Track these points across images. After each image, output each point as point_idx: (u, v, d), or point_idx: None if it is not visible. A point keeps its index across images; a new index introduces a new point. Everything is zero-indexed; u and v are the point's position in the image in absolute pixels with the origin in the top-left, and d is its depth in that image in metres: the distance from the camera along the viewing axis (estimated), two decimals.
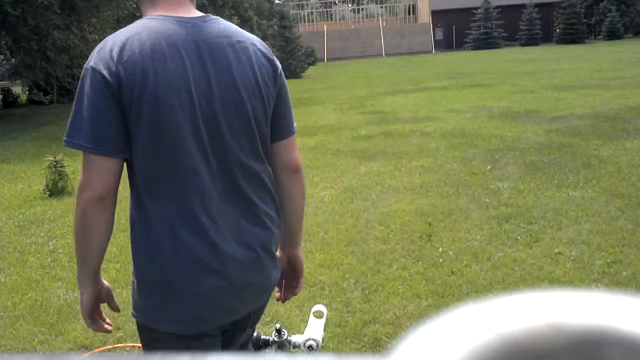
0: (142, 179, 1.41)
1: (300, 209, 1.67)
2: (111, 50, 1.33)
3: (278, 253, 1.67)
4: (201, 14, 1.47)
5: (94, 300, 1.50)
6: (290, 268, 1.75)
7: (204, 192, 1.42)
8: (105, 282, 1.53)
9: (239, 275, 1.46)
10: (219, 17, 1.50)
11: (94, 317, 1.53)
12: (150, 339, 1.51)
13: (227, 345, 1.62)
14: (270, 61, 1.52)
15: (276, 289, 1.72)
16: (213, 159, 1.43)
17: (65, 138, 1.36)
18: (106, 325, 1.56)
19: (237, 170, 1.47)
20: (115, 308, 1.57)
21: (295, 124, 1.63)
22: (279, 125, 1.56)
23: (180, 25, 1.40)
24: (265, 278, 1.55)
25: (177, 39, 1.37)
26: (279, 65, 1.56)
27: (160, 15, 1.41)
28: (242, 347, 1.72)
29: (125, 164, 1.42)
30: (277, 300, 1.79)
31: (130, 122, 1.35)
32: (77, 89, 1.37)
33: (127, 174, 1.45)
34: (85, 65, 1.36)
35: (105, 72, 1.32)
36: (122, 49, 1.33)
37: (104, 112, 1.33)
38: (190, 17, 1.43)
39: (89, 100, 1.33)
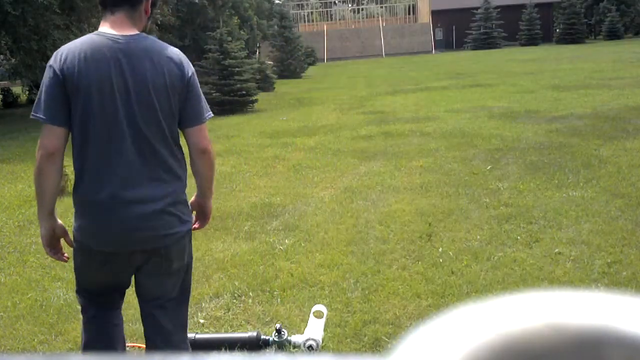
0: (77, 144, 2.02)
1: (207, 177, 2.21)
2: (61, 55, 1.99)
3: (193, 198, 2.28)
4: (136, 32, 2.05)
5: (50, 232, 2.10)
6: (200, 209, 2.33)
7: (118, 159, 2.00)
8: (60, 221, 2.12)
9: (137, 218, 2.03)
10: (149, 36, 2.10)
11: (52, 246, 2.14)
12: (76, 246, 2.14)
13: (151, 274, 2.17)
14: (180, 69, 2.07)
15: (195, 223, 2.33)
16: (128, 138, 2.00)
17: (32, 112, 2.00)
18: (63, 257, 2.19)
19: (146, 147, 2.03)
20: (69, 243, 2.17)
21: (208, 114, 2.16)
22: (189, 115, 2.11)
23: (113, 41, 2.00)
24: (164, 226, 2.08)
25: (108, 50, 1.99)
26: (188, 72, 2.09)
27: (102, 33, 2.02)
28: (164, 282, 2.21)
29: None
30: (193, 229, 2.34)
31: (72, 104, 1.98)
32: (42, 79, 2.01)
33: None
34: (48, 63, 2.01)
35: (57, 69, 1.97)
36: (67, 55, 1.97)
37: (54, 96, 1.97)
38: (124, 35, 2.02)
39: (45, 87, 1.98)
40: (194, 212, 2.32)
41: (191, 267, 2.32)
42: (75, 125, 2.00)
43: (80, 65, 1.95)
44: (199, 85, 2.16)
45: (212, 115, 2.21)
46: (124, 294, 2.32)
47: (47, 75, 1.99)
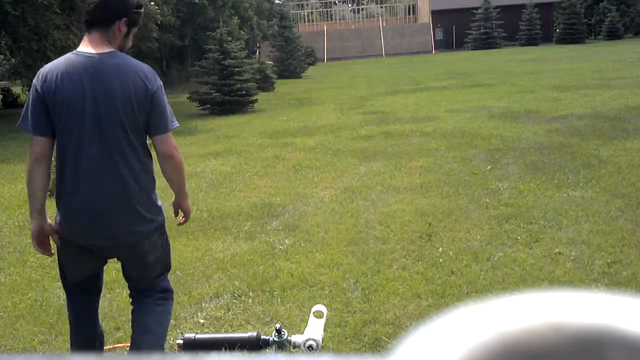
0: (58, 151, 2.34)
1: (175, 181, 2.49)
2: (43, 75, 2.30)
3: (173, 199, 2.58)
4: (110, 50, 2.33)
5: (40, 228, 2.38)
6: (179, 209, 2.62)
7: (88, 164, 2.30)
8: (49, 221, 2.41)
9: (102, 217, 2.33)
10: (122, 54, 2.38)
11: (40, 242, 2.41)
12: (57, 237, 2.44)
13: (130, 264, 2.54)
14: (145, 83, 2.34)
15: (181, 218, 2.66)
16: (98, 146, 2.30)
17: (18, 122, 2.34)
18: (49, 252, 2.46)
19: (113, 153, 2.31)
20: (56, 242, 2.45)
21: (172, 124, 2.42)
22: (155, 125, 2.38)
23: (87, 59, 2.30)
24: (127, 224, 2.37)
25: (82, 68, 2.29)
26: (154, 86, 2.36)
27: (79, 52, 2.33)
28: (137, 270, 2.55)
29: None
30: (179, 224, 2.69)
31: (52, 116, 2.29)
32: (28, 95, 2.33)
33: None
34: (33, 81, 2.33)
35: (38, 87, 2.30)
36: (47, 74, 2.30)
37: (37, 110, 2.30)
38: (99, 53, 2.31)
39: (30, 102, 2.32)
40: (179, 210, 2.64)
41: (169, 252, 2.64)
42: (57, 135, 2.31)
43: (57, 82, 2.26)
44: (164, 98, 2.43)
45: (178, 125, 2.49)
46: (100, 285, 2.68)
47: (30, 91, 2.34)
